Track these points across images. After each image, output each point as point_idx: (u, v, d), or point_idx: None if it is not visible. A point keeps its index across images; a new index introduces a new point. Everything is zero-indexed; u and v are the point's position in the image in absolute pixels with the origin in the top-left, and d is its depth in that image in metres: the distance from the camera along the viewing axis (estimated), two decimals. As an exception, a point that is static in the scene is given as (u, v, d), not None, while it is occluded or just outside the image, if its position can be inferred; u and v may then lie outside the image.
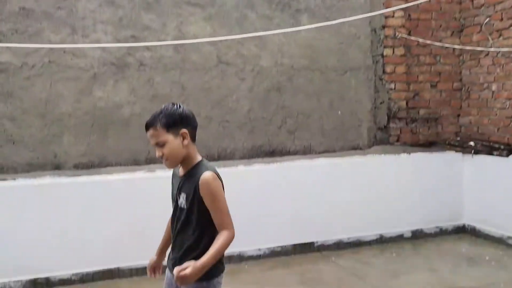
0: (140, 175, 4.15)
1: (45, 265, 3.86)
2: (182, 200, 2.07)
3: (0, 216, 3.74)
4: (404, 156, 5.09)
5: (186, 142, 2.03)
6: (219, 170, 4.64)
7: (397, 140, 5.33)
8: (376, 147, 5.23)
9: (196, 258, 1.96)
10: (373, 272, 4.13)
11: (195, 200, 2.03)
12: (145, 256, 4.12)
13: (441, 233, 5.14)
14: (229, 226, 2.02)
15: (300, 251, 4.63)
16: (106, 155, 4.25)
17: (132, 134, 4.29)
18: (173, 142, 2.01)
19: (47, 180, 3.92)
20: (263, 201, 4.48)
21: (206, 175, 2.02)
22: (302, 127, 4.89)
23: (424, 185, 5.08)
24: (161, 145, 2.00)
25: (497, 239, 4.78)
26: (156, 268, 2.32)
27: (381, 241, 4.91)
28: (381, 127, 5.29)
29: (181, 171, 2.13)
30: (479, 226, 5.05)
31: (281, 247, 4.58)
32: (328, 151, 4.99)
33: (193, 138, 2.09)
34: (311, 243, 4.68)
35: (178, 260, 2.06)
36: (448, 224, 5.19)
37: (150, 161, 4.37)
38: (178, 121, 2.03)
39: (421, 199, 5.06)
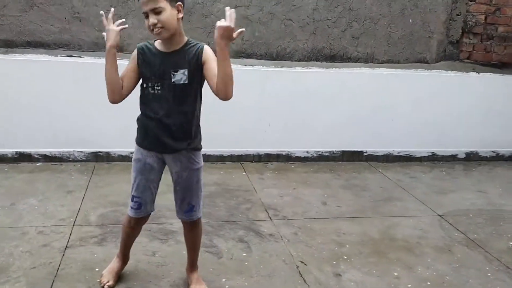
0: (198, 66, 4.18)
1: (107, 141, 4.11)
2: (181, 76, 2.07)
3: (67, 90, 3.95)
4: (472, 75, 4.81)
5: (180, 15, 2.03)
6: (276, 70, 4.61)
7: (468, 58, 5.01)
8: (443, 62, 4.95)
9: (194, 127, 2.16)
10: (419, 186, 4.13)
11: (197, 72, 2.07)
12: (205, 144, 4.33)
13: (497, 158, 5.00)
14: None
15: (348, 158, 4.66)
16: (167, 42, 4.28)
17: (193, 24, 4.25)
18: (170, 11, 1.98)
19: (111, 61, 4.03)
20: (316, 105, 4.45)
21: (206, 45, 2.11)
22: (367, 33, 4.65)
23: (488, 107, 4.84)
24: (157, 12, 1.96)
25: (556, 171, 4.60)
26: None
27: (433, 158, 4.85)
28: (452, 41, 4.95)
29: (165, 48, 2.09)
30: (540, 156, 4.86)
31: (329, 152, 4.62)
32: (392, 61, 4.78)
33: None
34: (360, 152, 4.69)
35: (174, 132, 2.12)
36: (505, 150, 5.02)
37: (209, 53, 4.36)
38: None
39: (481, 121, 4.86)
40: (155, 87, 2.10)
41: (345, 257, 2.83)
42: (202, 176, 2.28)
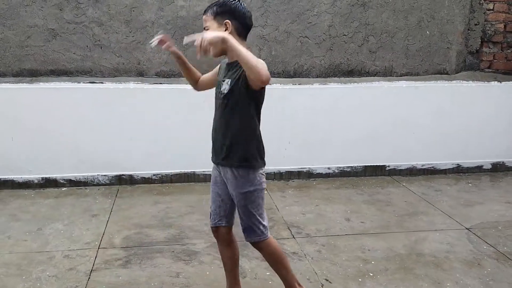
0: (217, 86, 4.23)
1: (129, 164, 4.18)
2: (225, 86, 2.11)
3: (89, 115, 4.05)
4: (494, 84, 4.73)
5: (227, 32, 2.04)
6: (294, 87, 4.61)
7: (489, 67, 4.94)
8: (464, 72, 4.89)
9: (240, 142, 2.12)
10: (445, 199, 4.04)
11: (239, 81, 2.05)
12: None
13: (525, 167, 4.87)
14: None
15: (370, 173, 4.61)
16: (186, 65, 4.34)
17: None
18: (216, 29, 2.06)
19: (131, 85, 4.12)
20: (336, 121, 4.44)
21: None
22: (385, 46, 4.64)
23: (513, 116, 4.75)
24: (206, 30, 2.07)
25: None
26: (168, 44, 2.23)
27: (458, 170, 4.75)
28: (472, 52, 4.90)
29: (229, 59, 2.18)
30: None
31: (351, 167, 4.58)
32: (411, 74, 4.75)
33: (240, 34, 2.11)
34: (383, 166, 4.63)
35: (220, 144, 2.16)
36: (534, 159, 4.89)
37: (227, 73, 4.41)
38: (226, 11, 2.08)
39: (506, 130, 4.76)
40: (216, 97, 2.20)
41: (371, 274, 2.78)
42: (260, 199, 2.17)
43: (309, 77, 4.58)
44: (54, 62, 4.18)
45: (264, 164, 2.20)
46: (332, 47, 4.56)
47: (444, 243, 3.20)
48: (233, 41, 1.91)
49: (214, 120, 2.22)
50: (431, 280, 2.72)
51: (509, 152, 4.83)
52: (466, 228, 3.44)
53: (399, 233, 3.34)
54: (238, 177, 2.13)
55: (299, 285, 2.33)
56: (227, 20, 2.08)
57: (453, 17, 4.71)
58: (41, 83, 4.05)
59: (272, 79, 4.45)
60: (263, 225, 2.22)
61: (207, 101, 4.14)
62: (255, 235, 2.21)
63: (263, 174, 2.19)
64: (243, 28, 2.12)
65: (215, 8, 2.10)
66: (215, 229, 2.34)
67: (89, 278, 2.67)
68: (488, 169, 4.81)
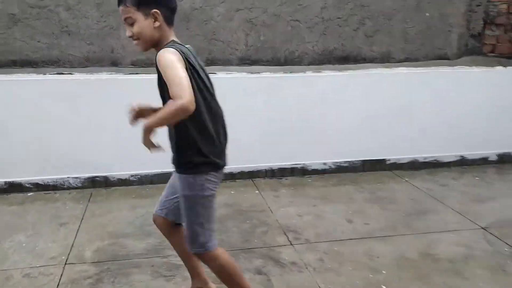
0: (200, 76, 3.82)
1: (104, 164, 3.74)
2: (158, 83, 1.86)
3: (58, 111, 3.60)
4: (499, 69, 4.39)
5: (157, 24, 1.82)
6: (285, 76, 4.10)
7: (492, 51, 4.62)
8: (466, 57, 4.56)
9: (178, 146, 1.92)
10: (453, 194, 3.70)
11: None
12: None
13: (533, 158, 4.56)
14: (178, 96, 1.63)
15: (369, 168, 4.25)
16: (165, 53, 3.93)
17: (192, 31, 3.91)
18: (143, 22, 1.81)
19: (104, 76, 3.68)
20: (331, 112, 4.06)
21: (161, 50, 1.75)
22: (382, 30, 4.27)
23: (519, 103, 4.43)
24: (130, 23, 1.81)
25: None
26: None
27: (462, 163, 4.42)
28: (474, 34, 4.57)
29: None
30: None
31: (349, 162, 4.21)
32: (410, 59, 4.39)
33: (169, 21, 1.86)
34: (382, 160, 4.27)
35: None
36: (542, 149, 4.58)
37: (211, 62, 4.01)
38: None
39: (512, 119, 4.44)
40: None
41: (383, 286, 2.41)
42: (200, 206, 1.90)
43: (301, 65, 4.20)
44: (16, 51, 3.71)
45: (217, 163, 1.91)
46: (326, 31, 4.17)
47: (461, 245, 2.85)
48: (155, 121, 1.68)
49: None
50: (452, 291, 2.37)
51: (515, 141, 4.52)
52: (482, 228, 3.10)
53: (408, 236, 2.98)
54: (181, 179, 1.92)
55: None
56: (156, 10, 1.81)
57: (455, -3, 4.37)
58: (1, 75, 3.58)
59: (261, 68, 4.07)
60: (205, 236, 1.91)
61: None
62: (193, 246, 1.95)
63: (211, 174, 1.89)
64: (171, 13, 1.87)
65: None
66: (155, 218, 2.16)
67: (52, 301, 2.26)
68: (494, 160, 4.49)
